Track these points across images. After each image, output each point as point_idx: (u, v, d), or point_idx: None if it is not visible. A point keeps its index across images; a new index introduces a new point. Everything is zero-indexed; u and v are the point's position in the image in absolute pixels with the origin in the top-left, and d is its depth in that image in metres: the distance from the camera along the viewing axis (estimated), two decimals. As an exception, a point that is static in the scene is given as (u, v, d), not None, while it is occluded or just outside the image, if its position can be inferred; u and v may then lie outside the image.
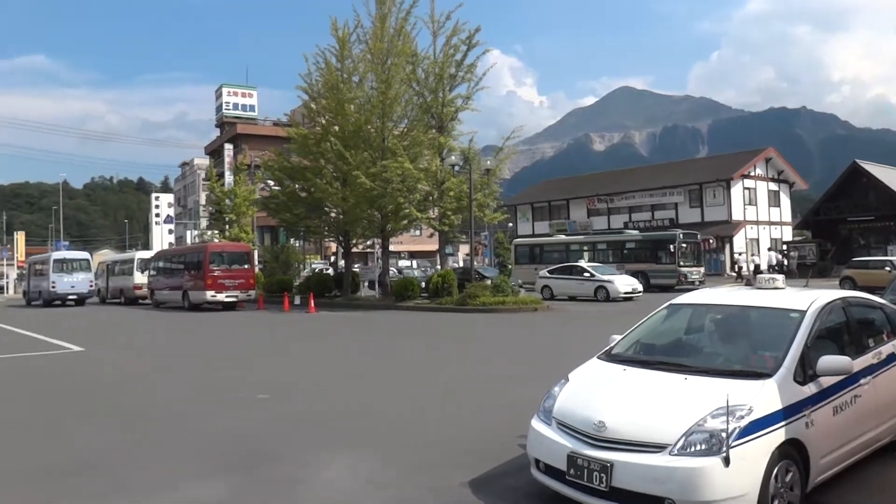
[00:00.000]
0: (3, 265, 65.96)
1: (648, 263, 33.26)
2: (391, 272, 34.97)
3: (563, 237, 42.36)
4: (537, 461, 4.85)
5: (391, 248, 33.05)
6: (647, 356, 5.46)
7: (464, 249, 62.18)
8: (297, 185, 31.32)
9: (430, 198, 28.45)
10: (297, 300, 28.83)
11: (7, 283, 62.48)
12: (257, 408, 8.43)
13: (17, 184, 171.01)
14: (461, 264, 47.97)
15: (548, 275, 30.44)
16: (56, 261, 35.68)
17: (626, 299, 27.01)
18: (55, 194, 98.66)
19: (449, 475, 5.55)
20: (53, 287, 34.50)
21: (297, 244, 45.00)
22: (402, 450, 6.43)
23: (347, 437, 6.95)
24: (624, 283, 27.88)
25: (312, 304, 25.61)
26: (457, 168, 27.05)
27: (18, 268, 62.88)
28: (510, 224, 59.93)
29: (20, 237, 75.77)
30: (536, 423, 4.94)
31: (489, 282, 26.48)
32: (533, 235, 52.18)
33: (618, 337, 5.84)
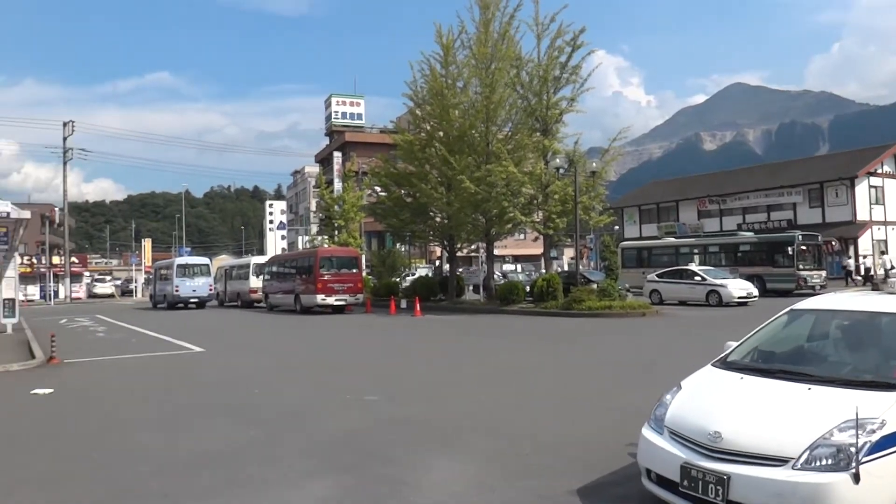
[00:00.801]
0: (132, 270, 70.95)
1: (764, 267, 31.68)
2: (495, 276, 34.98)
3: (672, 240, 41.01)
4: (648, 471, 4.70)
5: (495, 251, 33.06)
6: (766, 364, 5.18)
7: (569, 253, 61.38)
8: (402, 191, 31.89)
9: (535, 201, 28.27)
10: (404, 304, 29.33)
11: (136, 286, 67.13)
12: (367, 409, 8.63)
13: (145, 194, 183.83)
14: (566, 268, 47.42)
15: (656, 278, 29.57)
16: (179, 266, 37.88)
17: (739, 304, 25.83)
18: (178, 203, 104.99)
19: (556, 482, 5.48)
20: (177, 291, 36.65)
21: (403, 248, 45.76)
22: (508, 454, 6.40)
23: (454, 440, 6.99)
24: (738, 287, 26.67)
25: (418, 308, 26.00)
26: (561, 171, 26.74)
27: (146, 272, 67.36)
28: (616, 227, 58.59)
29: (147, 244, 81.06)
30: (647, 432, 4.79)
31: (595, 286, 26.01)
32: (640, 238, 50.82)
33: (734, 343, 5.58)
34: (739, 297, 26.06)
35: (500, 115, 28.79)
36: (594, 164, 27.19)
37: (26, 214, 14.95)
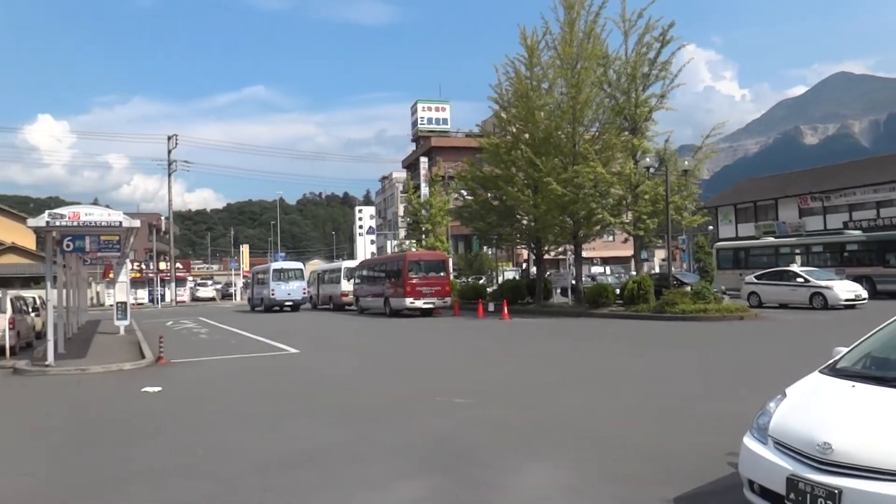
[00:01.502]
0: (232, 275, 73.99)
1: (874, 267, 29.85)
2: (584, 278, 34.49)
3: (771, 239, 39.27)
4: (751, 482, 4.50)
5: (584, 254, 32.59)
6: (882, 372, 4.86)
7: (660, 254, 59.79)
8: (489, 194, 31.92)
9: (624, 202, 27.69)
10: (491, 307, 29.33)
11: (235, 290, 70.04)
12: (456, 411, 8.68)
13: (242, 202, 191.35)
14: (657, 270, 46.18)
15: (755, 280, 28.35)
16: (275, 270, 39.25)
17: (847, 307, 24.40)
18: (273, 210, 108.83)
19: (650, 490, 5.33)
20: (273, 294, 37.97)
21: (490, 252, 45.79)
22: (600, 460, 6.29)
23: (544, 444, 6.93)
24: (845, 288, 25.20)
25: (506, 311, 25.93)
26: (652, 170, 26.07)
27: (244, 277, 70.16)
28: (711, 227, 56.60)
29: (245, 250, 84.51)
30: (750, 442, 4.60)
31: (689, 288, 25.23)
32: (736, 238, 48.87)
33: (843, 349, 5.27)
34: (847, 300, 24.63)
35: (587, 115, 28.37)
36: (686, 163, 26.36)
37: (136, 223, 15.81)
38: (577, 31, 28.08)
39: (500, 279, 41.35)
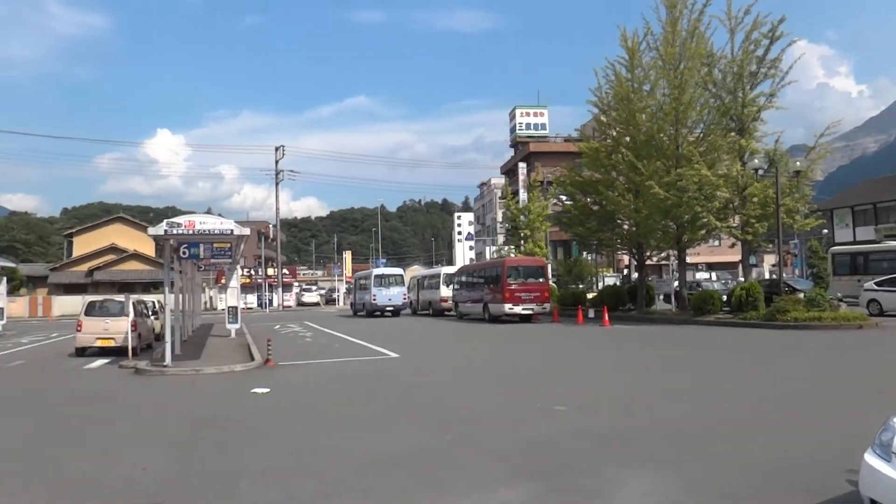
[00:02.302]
0: (335, 280, 76.25)
1: None
2: (688, 285, 33.38)
3: (893, 243, 36.72)
4: (873, 501, 4.25)
5: (688, 259, 31.56)
6: None
7: (770, 260, 57.08)
8: (588, 199, 31.51)
9: (731, 205, 26.62)
10: (591, 313, 28.87)
11: (338, 295, 72.15)
12: (556, 418, 8.60)
13: (345, 209, 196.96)
14: (767, 276, 44.06)
15: (875, 287, 26.56)
16: (376, 276, 40.15)
17: (984, 316, 22.51)
18: (374, 217, 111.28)
19: (762, 506, 5.12)
20: (374, 300, 38.85)
21: (590, 257, 45.15)
22: (707, 472, 6.06)
23: (649, 454, 6.75)
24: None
25: (606, 318, 25.46)
26: (760, 172, 24.93)
27: (346, 283, 72.15)
28: (825, 230, 53.47)
29: (347, 256, 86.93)
30: (871, 459, 4.33)
31: (802, 295, 23.95)
32: (854, 242, 45.94)
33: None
34: (982, 309, 22.72)
35: (691, 116, 27.53)
36: (798, 163, 25.06)
37: (246, 231, 16.57)
38: (679, 31, 27.33)
39: (600, 285, 40.65)
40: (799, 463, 6.25)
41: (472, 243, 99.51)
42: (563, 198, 34.39)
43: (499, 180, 78.38)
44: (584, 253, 43.46)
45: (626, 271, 46.40)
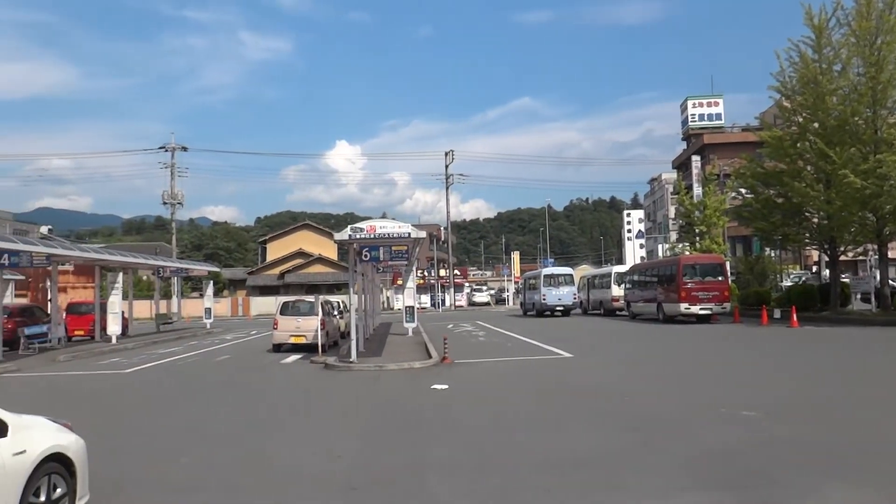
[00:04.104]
0: (504, 280, 77.13)
1: None
2: (891, 282, 30.23)
3: None
4: None
5: (890, 254, 28.61)
6: None
7: None
8: (771, 191, 29.51)
9: (942, 193, 23.84)
10: (777, 313, 27.04)
11: (507, 295, 72.96)
12: (745, 425, 8.20)
13: (512, 210, 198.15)
14: None
15: None
16: (545, 276, 40.12)
17: None
18: (541, 217, 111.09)
19: None
20: (544, 299, 38.85)
21: (773, 254, 42.26)
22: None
23: (845, 465, 6.29)
24: None
25: (794, 318, 23.76)
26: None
27: (515, 283, 72.66)
28: None
29: (515, 256, 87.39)
30: None
31: None
32: None
33: None
34: None
35: (892, 95, 24.98)
36: None
37: (422, 234, 17.33)
38: (875, 2, 24.90)
39: (787, 283, 37.92)
40: None
41: (642, 241, 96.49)
42: (743, 191, 32.40)
43: (670, 175, 75.29)
44: (767, 249, 40.69)
45: (815, 268, 42.92)
